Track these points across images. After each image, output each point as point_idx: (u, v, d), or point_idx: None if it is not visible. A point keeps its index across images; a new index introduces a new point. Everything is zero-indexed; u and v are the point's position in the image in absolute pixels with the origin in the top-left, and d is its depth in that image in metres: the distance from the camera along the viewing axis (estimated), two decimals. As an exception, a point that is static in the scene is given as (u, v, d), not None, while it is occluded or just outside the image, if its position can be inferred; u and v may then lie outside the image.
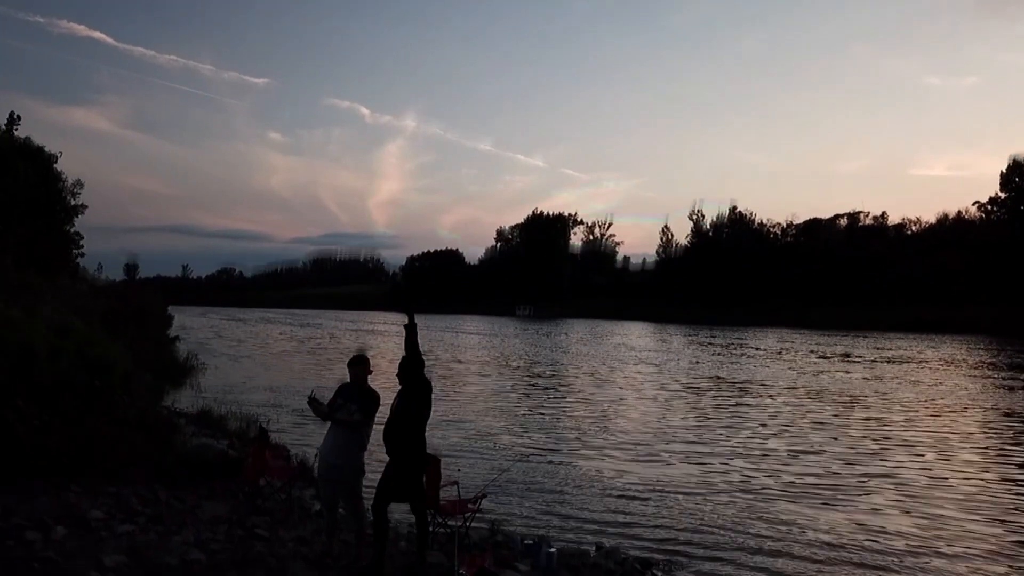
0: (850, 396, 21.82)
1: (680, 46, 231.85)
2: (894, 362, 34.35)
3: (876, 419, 17.55)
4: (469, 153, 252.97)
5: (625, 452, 13.14)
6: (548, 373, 27.60)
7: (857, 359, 36.16)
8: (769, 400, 20.69)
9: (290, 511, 7.82)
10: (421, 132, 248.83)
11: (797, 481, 11.16)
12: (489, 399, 19.88)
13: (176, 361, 25.42)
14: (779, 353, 39.08)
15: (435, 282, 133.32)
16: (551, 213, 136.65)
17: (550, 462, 12.09)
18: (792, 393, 22.39)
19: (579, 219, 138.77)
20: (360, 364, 6.26)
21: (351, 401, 6.09)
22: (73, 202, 46.80)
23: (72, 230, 47.02)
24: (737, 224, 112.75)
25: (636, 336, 55.26)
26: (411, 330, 5.94)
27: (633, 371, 28.57)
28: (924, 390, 23.55)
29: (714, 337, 53.72)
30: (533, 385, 23.83)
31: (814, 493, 10.48)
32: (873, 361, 34.82)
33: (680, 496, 10.08)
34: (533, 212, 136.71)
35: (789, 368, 30.67)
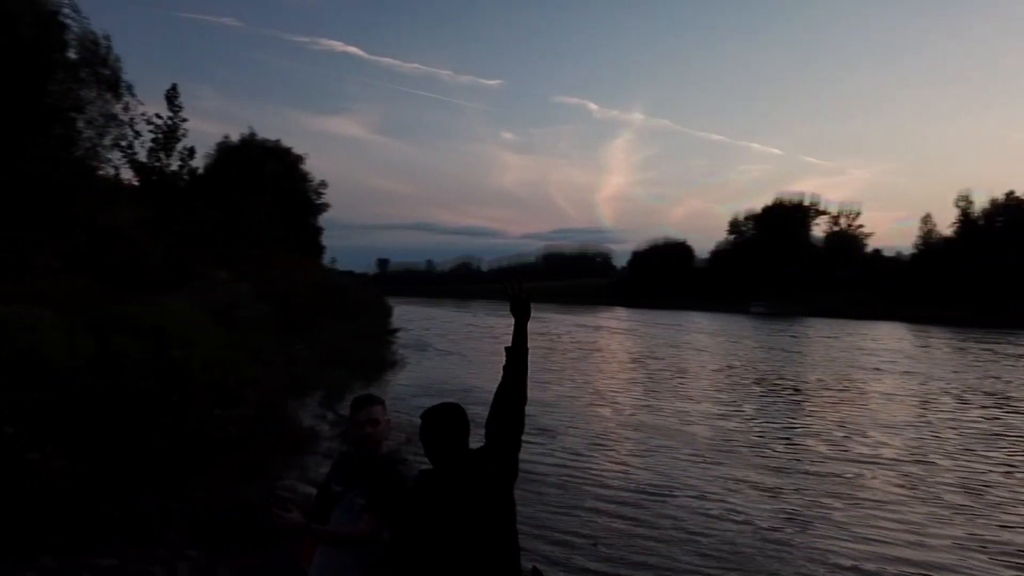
0: None
1: (932, 13, 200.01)
2: None
3: None
4: (699, 143, 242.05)
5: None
6: (807, 400, 21.09)
7: None
8: None
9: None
10: (648, 125, 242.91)
11: None
12: (715, 440, 14.20)
13: (379, 355, 24.59)
14: None
15: (661, 276, 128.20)
16: (790, 202, 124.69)
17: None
18: None
19: (821, 208, 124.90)
20: (367, 412, 3.16)
21: (354, 487, 3.08)
22: (317, 200, 50.44)
23: (317, 224, 50.87)
24: (1014, 212, 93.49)
25: (908, 342, 46.19)
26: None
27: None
28: None
29: None
30: (782, 424, 16.22)
31: None
32: None
33: None
34: (771, 201, 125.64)
35: None
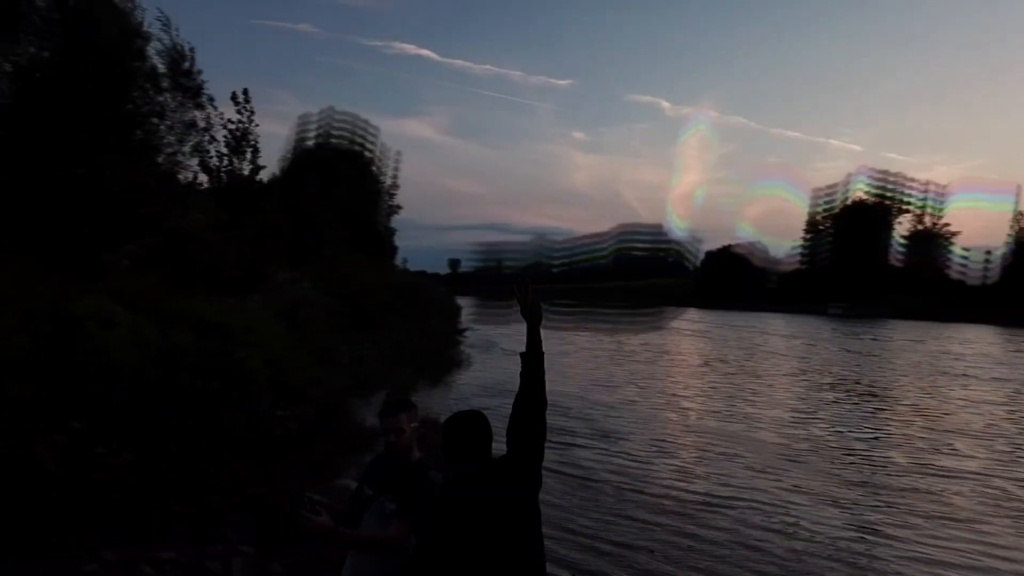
0: None
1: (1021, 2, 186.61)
2: None
3: None
4: (774, 141, 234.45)
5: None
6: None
7: None
8: None
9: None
10: (722, 122, 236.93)
11: None
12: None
13: (446, 355, 24.81)
14: None
15: (735, 277, 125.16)
16: (870, 200, 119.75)
17: None
18: None
19: (904, 206, 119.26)
20: (392, 421, 3.17)
21: (384, 491, 3.10)
22: (389, 202, 51.40)
23: (387, 226, 51.85)
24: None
25: (998, 347, 43.52)
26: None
27: None
28: None
29: None
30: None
31: None
32: None
33: None
34: (851, 200, 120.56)
35: None
